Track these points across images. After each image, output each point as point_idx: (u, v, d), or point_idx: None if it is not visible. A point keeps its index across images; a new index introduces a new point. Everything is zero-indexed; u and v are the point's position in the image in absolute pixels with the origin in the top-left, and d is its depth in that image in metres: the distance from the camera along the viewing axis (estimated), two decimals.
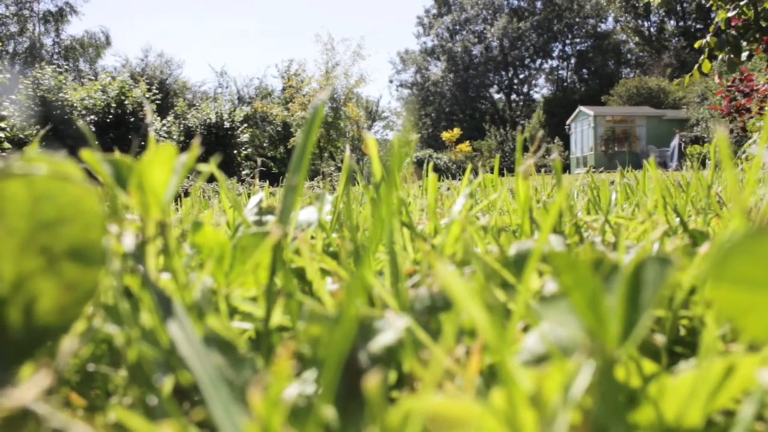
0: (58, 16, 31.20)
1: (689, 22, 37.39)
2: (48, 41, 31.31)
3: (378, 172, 0.61)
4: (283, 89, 23.15)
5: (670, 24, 38.97)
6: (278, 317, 0.39)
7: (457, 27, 42.44)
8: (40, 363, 0.25)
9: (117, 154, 0.38)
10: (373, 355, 0.32)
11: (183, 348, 0.26)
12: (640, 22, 40.05)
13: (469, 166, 0.85)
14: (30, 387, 0.21)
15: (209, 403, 0.24)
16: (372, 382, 0.24)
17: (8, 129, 14.28)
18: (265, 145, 21.93)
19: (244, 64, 66.63)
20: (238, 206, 0.58)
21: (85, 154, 0.35)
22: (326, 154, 20.66)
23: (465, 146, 23.12)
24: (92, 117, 16.85)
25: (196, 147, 0.39)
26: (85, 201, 0.28)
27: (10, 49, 29.39)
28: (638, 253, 0.49)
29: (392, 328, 0.32)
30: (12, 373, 0.26)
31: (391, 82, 44.07)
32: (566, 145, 26.79)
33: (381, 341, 0.32)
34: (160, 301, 0.29)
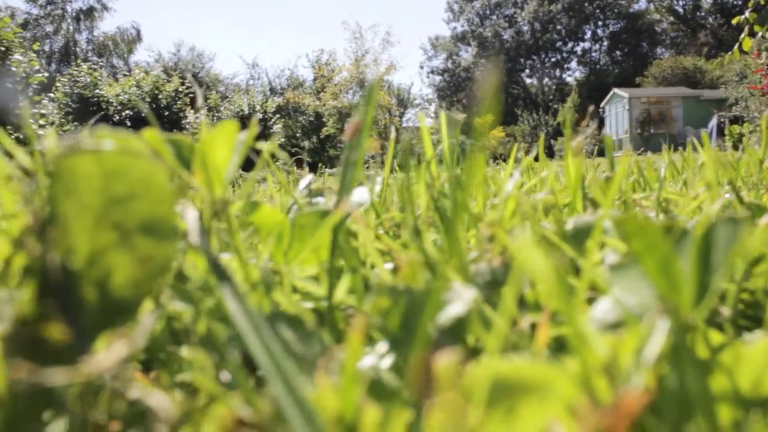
0: (90, 14, 31.64)
1: None
2: (82, 39, 31.79)
3: (430, 152, 0.61)
4: (314, 79, 23.22)
5: (706, 1, 38.11)
6: (341, 294, 0.39)
7: (487, 12, 42.02)
8: (117, 334, 0.26)
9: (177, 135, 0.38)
10: (442, 327, 0.32)
11: (241, 323, 0.26)
12: (674, 0, 39.25)
13: (515, 146, 0.84)
14: (109, 355, 0.22)
15: (268, 378, 0.24)
16: (445, 358, 0.23)
17: (47, 126, 14.56)
18: (297, 135, 22.01)
19: (276, 55, 66.87)
20: (289, 188, 0.58)
21: (149, 134, 0.36)
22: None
23: (498, 132, 22.93)
24: (128, 112, 17.09)
25: (255, 125, 0.39)
26: (154, 176, 0.28)
27: (47, 48, 29.92)
28: (702, 220, 0.48)
29: (461, 299, 0.32)
30: (89, 343, 0.26)
31: (421, 68, 43.81)
32: (600, 129, 26.43)
33: (451, 313, 0.32)
34: (221, 277, 0.29)
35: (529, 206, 0.53)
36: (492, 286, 0.41)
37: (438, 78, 41.94)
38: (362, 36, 22.49)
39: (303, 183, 0.63)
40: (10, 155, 0.42)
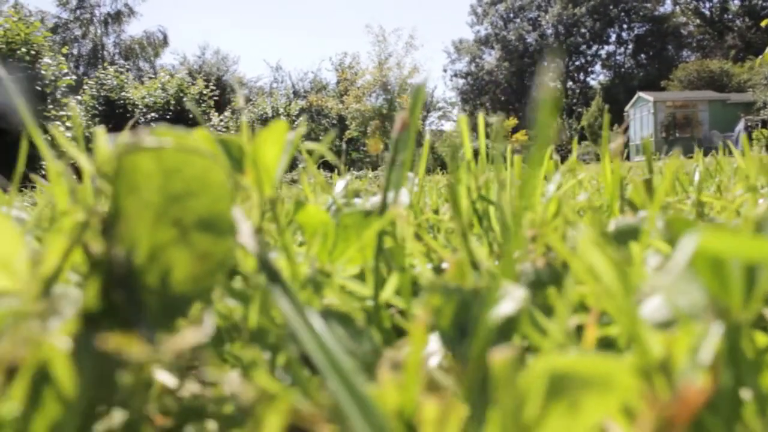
0: (118, 18, 32.04)
1: (755, 1, 36.04)
2: (109, 42, 32.21)
3: (469, 154, 0.61)
4: (338, 82, 23.30)
5: (734, 3, 37.66)
6: (389, 293, 0.39)
7: (511, 15, 41.88)
8: (183, 327, 0.26)
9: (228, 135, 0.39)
10: (494, 326, 0.32)
11: (294, 321, 0.26)
12: (701, 2, 38.83)
13: (548, 150, 0.84)
14: (183, 340, 0.22)
15: (325, 374, 0.24)
16: (503, 354, 0.23)
17: (75, 128, 14.72)
18: (321, 138, 22.08)
19: (299, 59, 67.18)
20: (327, 188, 0.58)
21: (200, 133, 0.36)
22: (382, 146, 20.70)
23: (521, 135, 22.85)
24: (153, 114, 17.29)
25: (303, 125, 0.39)
26: (211, 174, 0.29)
27: (75, 51, 30.35)
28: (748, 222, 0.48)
29: (512, 299, 0.32)
30: (155, 336, 0.26)
31: (445, 71, 43.73)
32: (624, 133, 26.17)
33: (502, 311, 0.32)
34: (272, 276, 0.29)
35: (571, 208, 0.53)
36: (536, 286, 0.41)
37: (461, 81, 41.87)
38: (385, 39, 22.53)
39: (340, 184, 0.63)
40: (61, 154, 0.43)
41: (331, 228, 0.44)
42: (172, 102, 17.69)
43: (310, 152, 0.58)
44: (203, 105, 17.58)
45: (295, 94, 28.69)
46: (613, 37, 40.42)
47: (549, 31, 40.31)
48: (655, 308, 0.34)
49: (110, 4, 31.82)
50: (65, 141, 0.39)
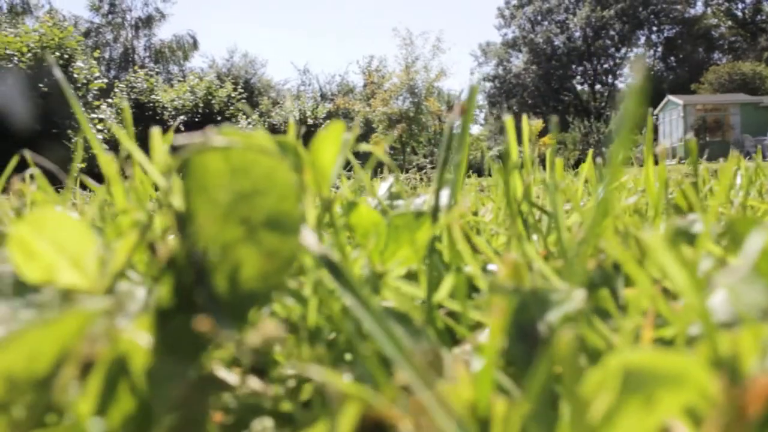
0: (149, 22, 32.45)
1: None
2: (140, 46, 32.64)
3: (515, 156, 0.61)
4: (365, 85, 23.37)
5: (767, 4, 37.06)
6: (443, 294, 0.39)
7: (539, 17, 41.65)
8: (257, 324, 0.27)
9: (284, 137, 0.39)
10: (551, 326, 0.32)
11: (364, 318, 0.27)
12: (733, 4, 38.28)
13: (591, 152, 0.83)
14: (262, 332, 0.23)
15: (400, 368, 0.24)
16: (565, 337, 0.23)
17: (105, 130, 14.97)
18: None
19: (326, 62, 67.43)
20: (372, 190, 0.59)
21: (259, 134, 0.37)
22: (408, 149, 20.73)
23: (548, 139, 22.67)
24: (182, 117, 17.48)
25: (356, 127, 0.40)
26: (277, 173, 0.29)
27: (107, 55, 30.80)
28: None
29: (572, 300, 0.32)
30: (233, 331, 0.27)
31: (472, 74, 43.62)
32: (654, 136, 25.90)
33: (561, 311, 0.32)
34: (337, 275, 0.29)
35: (621, 210, 0.53)
36: (589, 288, 0.41)
37: (488, 84, 41.71)
38: (412, 42, 22.55)
39: (384, 186, 0.64)
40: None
41: (383, 229, 0.45)
42: (201, 105, 17.87)
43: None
44: (231, 108, 17.74)
45: (323, 97, 28.81)
46: (642, 40, 40.00)
47: (577, 34, 40.01)
48: (719, 307, 0.34)
49: (141, 9, 32.27)
50: (128, 142, 0.40)
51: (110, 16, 31.72)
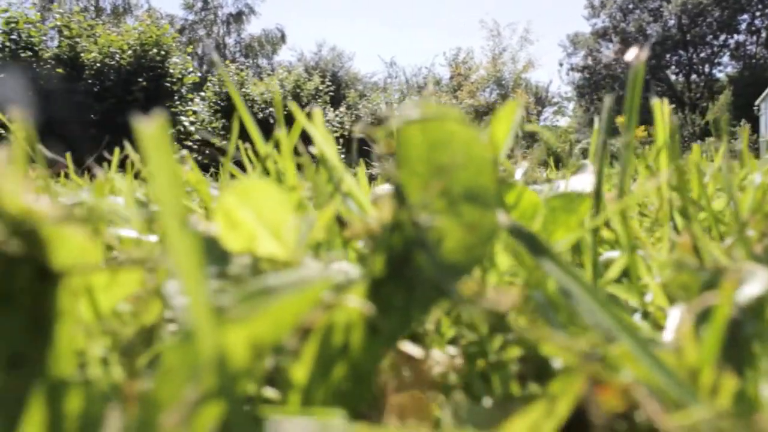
0: (239, 18, 33.33)
1: None
2: (230, 41, 33.56)
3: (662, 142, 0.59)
4: (451, 77, 23.28)
5: None
6: (614, 274, 0.39)
7: (631, 6, 40.29)
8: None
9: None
10: (741, 306, 0.31)
11: (576, 293, 0.27)
12: None
13: (696, 146, 0.80)
14: (501, 300, 0.23)
15: (627, 343, 0.24)
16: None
17: (198, 123, 15.49)
18: None
19: (413, 54, 67.43)
20: (510, 174, 0.58)
21: (454, 110, 0.37)
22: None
23: (640, 131, 22.01)
24: (271, 110, 17.87)
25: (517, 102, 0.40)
26: (474, 147, 0.29)
27: (199, 51, 31.84)
28: None
29: (758, 280, 0.31)
30: (429, 305, 0.27)
31: (561, 65, 42.67)
32: (754, 128, 24.66)
33: (749, 292, 0.31)
34: (540, 252, 0.29)
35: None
36: None
37: (577, 75, 40.71)
38: (500, 34, 22.29)
39: (519, 171, 0.63)
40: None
41: (541, 210, 0.44)
42: (290, 97, 18.22)
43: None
44: (319, 101, 18.02)
45: (409, 89, 28.85)
46: (744, 26, 38.08)
47: (672, 22, 38.49)
48: None
49: (232, 5, 33.16)
50: (323, 132, 0.41)
51: (203, 13, 32.77)
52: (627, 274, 0.41)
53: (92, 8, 28.14)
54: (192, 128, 14.53)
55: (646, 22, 39.42)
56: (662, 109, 0.70)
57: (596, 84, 39.03)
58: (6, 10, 12.96)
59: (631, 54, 0.43)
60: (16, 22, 12.95)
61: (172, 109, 13.95)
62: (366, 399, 0.26)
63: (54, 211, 0.26)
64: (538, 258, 0.28)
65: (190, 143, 14.01)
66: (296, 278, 0.22)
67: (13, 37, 12.94)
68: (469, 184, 0.29)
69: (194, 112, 15.05)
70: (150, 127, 0.20)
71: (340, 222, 0.34)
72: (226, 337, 0.20)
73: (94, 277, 0.30)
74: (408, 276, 0.27)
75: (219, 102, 18.34)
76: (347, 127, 17.19)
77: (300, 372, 0.25)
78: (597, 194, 0.43)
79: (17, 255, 0.25)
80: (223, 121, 16.99)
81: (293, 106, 0.43)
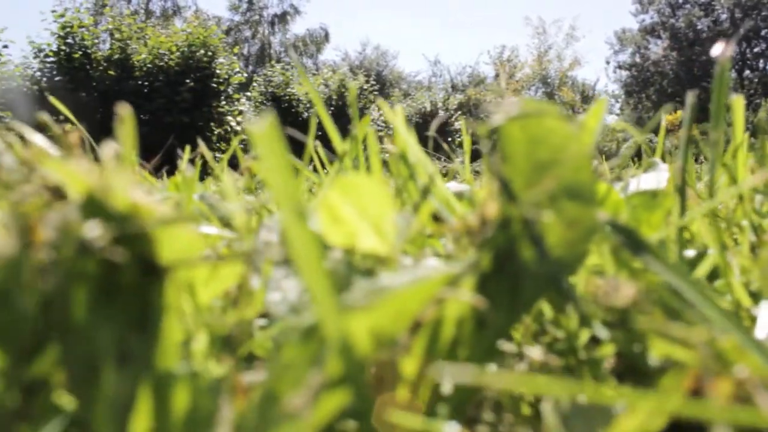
0: (284, 18, 33.64)
1: None
2: (275, 41, 33.89)
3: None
4: (496, 76, 23.14)
5: None
6: (703, 272, 0.38)
7: (680, 1, 39.44)
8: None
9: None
10: None
11: (687, 292, 0.26)
12: None
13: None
14: (624, 292, 0.23)
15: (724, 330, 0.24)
16: None
17: (244, 122, 15.68)
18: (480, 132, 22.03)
19: (457, 53, 67.12)
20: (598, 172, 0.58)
21: (552, 107, 0.37)
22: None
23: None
24: (315, 109, 17.99)
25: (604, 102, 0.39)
26: (572, 143, 0.29)
27: (245, 51, 32.25)
28: None
29: None
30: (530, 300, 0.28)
31: (608, 63, 41.94)
32: None
33: None
34: (640, 249, 0.29)
35: None
36: None
37: (624, 73, 39.98)
38: (545, 31, 22.08)
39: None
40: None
41: (623, 207, 0.44)
42: (334, 97, 18.32)
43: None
44: (364, 100, 18.08)
45: (453, 88, 28.77)
46: None
47: (724, 16, 37.55)
48: None
49: (277, 5, 33.48)
50: (405, 127, 0.41)
51: (248, 14, 33.15)
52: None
53: (142, 11, 28.74)
54: (239, 128, 14.72)
55: (697, 17, 38.51)
56: (739, 106, 0.69)
57: (644, 82, 38.27)
58: (62, 15, 13.33)
59: (717, 49, 0.42)
60: (71, 27, 13.31)
61: (219, 109, 14.16)
62: (473, 395, 0.26)
63: (160, 207, 0.27)
64: (639, 254, 0.28)
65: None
66: (415, 271, 0.22)
67: (68, 41, 13.30)
68: (569, 180, 0.29)
69: (240, 112, 15.25)
70: (262, 127, 0.21)
71: (435, 218, 0.34)
72: (349, 325, 0.21)
73: (196, 272, 0.31)
74: (512, 272, 0.27)
75: (264, 102, 18.54)
76: (391, 126, 17.18)
77: (410, 366, 0.25)
78: (681, 192, 0.42)
79: (125, 251, 0.26)
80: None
81: (382, 103, 0.44)
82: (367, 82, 18.81)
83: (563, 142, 0.29)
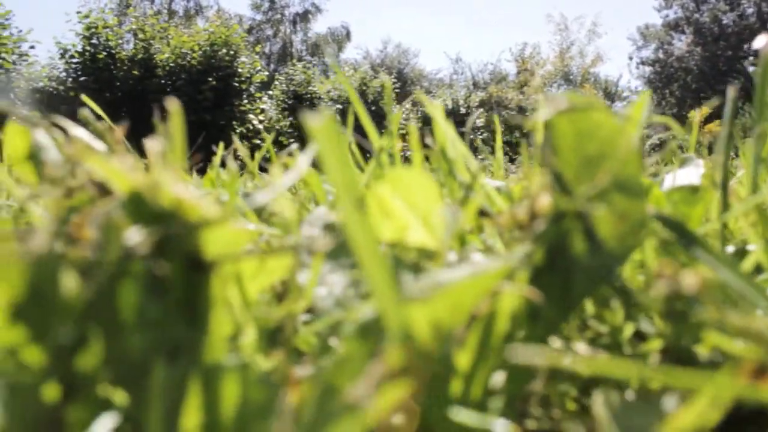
0: (305, 17, 33.74)
1: None
2: (297, 40, 34.01)
3: None
4: (518, 73, 23.04)
5: None
6: (749, 266, 0.38)
7: None
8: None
9: None
10: None
11: (742, 289, 0.26)
12: None
13: None
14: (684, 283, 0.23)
15: None
16: None
17: (266, 121, 15.76)
18: (502, 129, 21.98)
19: (478, 50, 66.85)
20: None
21: (599, 101, 0.37)
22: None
23: (715, 126, 21.29)
24: (337, 107, 18.04)
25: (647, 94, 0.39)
26: (620, 137, 0.29)
27: (267, 50, 32.40)
28: None
29: None
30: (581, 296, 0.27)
31: (630, 59, 41.50)
32: None
33: None
34: (692, 243, 0.29)
35: None
36: None
37: (648, 69, 39.54)
38: (567, 28, 21.94)
39: None
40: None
41: (663, 202, 0.44)
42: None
43: None
44: (385, 98, 18.06)
45: (475, 85, 28.66)
46: None
47: (750, 10, 37.00)
48: None
49: (299, 4, 33.59)
50: (442, 117, 0.41)
51: (270, 13, 33.30)
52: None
53: (165, 11, 28.97)
54: (260, 126, 14.79)
55: (722, 12, 37.99)
56: None
57: (668, 78, 37.82)
58: (87, 16, 13.50)
59: (761, 41, 0.42)
60: (96, 27, 13.47)
61: (241, 108, 14.24)
62: (524, 388, 0.26)
63: (205, 204, 0.27)
64: (690, 247, 0.28)
65: (258, 141, 14.26)
66: (472, 265, 0.22)
67: (92, 41, 13.45)
68: (617, 174, 0.29)
69: (262, 111, 15.33)
70: (320, 121, 0.21)
71: (481, 213, 0.34)
72: (410, 317, 0.21)
73: (243, 266, 0.32)
74: (563, 266, 0.27)
75: (286, 100, 18.60)
76: (413, 124, 17.18)
77: (464, 359, 0.25)
78: (724, 187, 0.42)
79: (172, 246, 0.26)
80: (290, 119, 17.23)
81: (422, 96, 0.44)
82: (389, 79, 18.80)
83: (611, 135, 0.29)
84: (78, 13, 13.55)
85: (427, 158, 0.51)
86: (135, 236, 0.24)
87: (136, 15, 14.93)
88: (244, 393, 0.26)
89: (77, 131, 0.48)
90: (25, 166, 0.47)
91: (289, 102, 18.41)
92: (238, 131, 14.11)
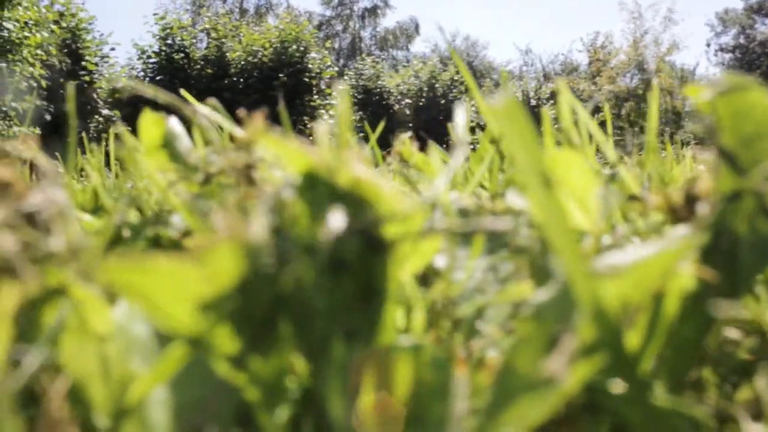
0: (374, 12, 33.87)
1: None
2: (366, 35, 34.19)
3: None
4: (589, 63, 22.54)
5: None
6: None
7: None
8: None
9: None
10: None
11: None
12: None
13: None
14: None
15: None
16: None
17: (335, 116, 15.90)
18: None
19: (549, 41, 65.71)
20: None
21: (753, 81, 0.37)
22: (637, 128, 19.67)
23: None
24: (407, 101, 18.07)
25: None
26: None
27: (336, 45, 32.70)
28: None
29: None
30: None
31: (708, 46, 40.02)
32: None
33: None
34: None
35: None
36: None
37: (728, 56, 38.02)
38: (641, 16, 21.34)
39: None
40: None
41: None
42: (425, 89, 18.32)
43: None
44: (455, 91, 18.00)
45: (545, 77, 28.19)
46: None
47: None
48: None
49: (368, 0, 33.78)
50: (568, 103, 0.41)
51: (339, 9, 33.58)
52: None
53: (237, 10, 29.58)
54: (332, 122, 14.93)
55: None
56: None
57: (749, 64, 36.26)
58: (163, 18, 13.93)
59: None
60: (171, 28, 13.88)
61: (311, 104, 14.41)
62: (689, 370, 0.26)
63: (381, 181, 0.28)
64: None
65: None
66: (657, 242, 0.22)
67: (168, 41, 13.87)
68: None
69: (332, 106, 15.48)
70: (503, 104, 0.21)
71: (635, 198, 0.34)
72: (600, 291, 0.21)
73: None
74: (727, 247, 0.27)
75: (356, 95, 18.73)
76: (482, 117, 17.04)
77: (633, 339, 0.25)
78: None
79: (352, 227, 0.27)
80: (360, 113, 17.34)
81: (561, 83, 0.44)
82: (458, 72, 18.68)
83: (766, 116, 0.29)
84: (155, 15, 14.00)
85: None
86: (337, 220, 0.25)
87: (209, 15, 15.32)
88: (419, 374, 0.26)
89: (207, 118, 0.50)
90: (160, 153, 0.49)
91: (359, 96, 18.53)
92: (309, 127, 14.29)
